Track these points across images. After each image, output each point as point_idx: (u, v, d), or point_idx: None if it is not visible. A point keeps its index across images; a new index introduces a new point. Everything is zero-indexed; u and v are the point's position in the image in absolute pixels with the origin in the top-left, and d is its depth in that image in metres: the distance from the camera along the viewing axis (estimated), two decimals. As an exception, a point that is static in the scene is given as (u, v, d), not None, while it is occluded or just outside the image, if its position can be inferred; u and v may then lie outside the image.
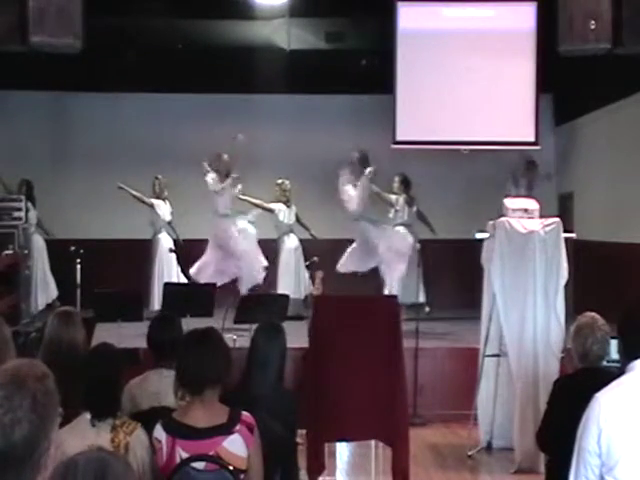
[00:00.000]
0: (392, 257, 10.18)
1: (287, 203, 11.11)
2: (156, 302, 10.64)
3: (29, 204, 11.29)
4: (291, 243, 11.14)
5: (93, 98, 12.74)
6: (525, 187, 10.45)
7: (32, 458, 1.99)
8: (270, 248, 10.90)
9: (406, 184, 10.62)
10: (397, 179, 10.64)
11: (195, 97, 12.80)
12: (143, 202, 11.28)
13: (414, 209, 10.69)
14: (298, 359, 8.36)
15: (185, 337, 3.90)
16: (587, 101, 11.87)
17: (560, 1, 8.33)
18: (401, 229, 10.52)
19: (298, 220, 11.20)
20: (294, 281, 10.89)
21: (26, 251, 11.07)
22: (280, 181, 11.15)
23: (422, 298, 10.40)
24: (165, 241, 11.34)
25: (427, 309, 10.60)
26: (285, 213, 11.10)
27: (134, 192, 11.22)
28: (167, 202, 11.40)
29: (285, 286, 10.59)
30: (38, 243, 11.52)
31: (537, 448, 5.28)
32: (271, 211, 11.03)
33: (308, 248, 11.15)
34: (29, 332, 9.39)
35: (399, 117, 11.38)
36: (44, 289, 11.53)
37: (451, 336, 9.91)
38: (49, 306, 11.05)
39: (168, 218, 11.36)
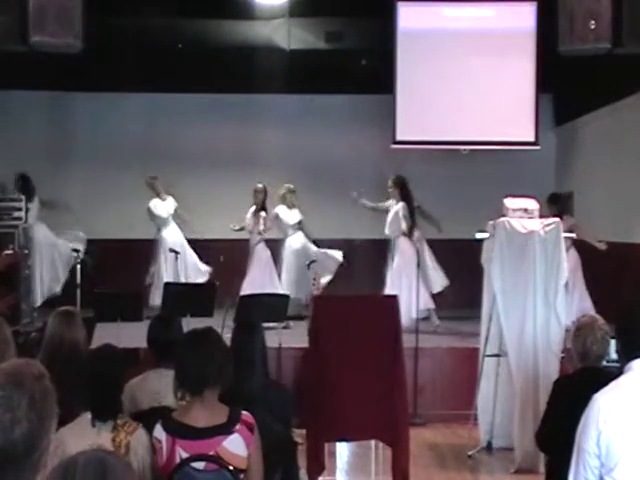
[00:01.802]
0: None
1: (292, 208, 11.09)
2: (157, 297, 10.68)
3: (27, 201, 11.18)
4: (295, 243, 11.09)
5: (93, 98, 12.74)
6: None
7: (32, 457, 2.00)
8: (273, 248, 10.91)
9: (401, 185, 10.53)
10: (390, 182, 10.57)
11: (195, 97, 12.80)
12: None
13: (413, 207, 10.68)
14: (298, 359, 8.38)
15: (184, 337, 3.90)
16: (587, 101, 11.86)
17: (560, 1, 8.33)
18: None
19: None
20: (296, 281, 10.89)
21: (26, 251, 11.05)
22: (292, 187, 11.12)
23: (428, 304, 10.29)
24: (169, 236, 11.34)
25: (437, 322, 10.42)
26: (288, 214, 11.07)
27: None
28: (166, 199, 11.39)
29: (287, 286, 10.61)
30: (42, 233, 11.24)
31: (537, 448, 5.29)
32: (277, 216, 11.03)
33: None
34: (29, 332, 9.40)
35: (399, 117, 11.36)
36: (54, 278, 11.30)
37: (451, 336, 9.91)
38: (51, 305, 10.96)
39: (165, 215, 11.36)
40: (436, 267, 10.86)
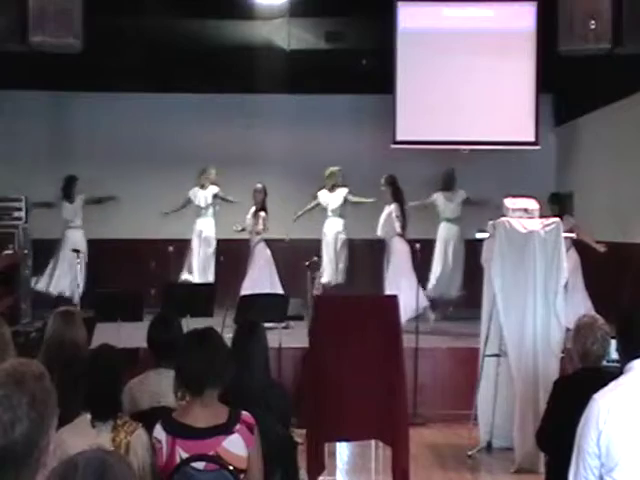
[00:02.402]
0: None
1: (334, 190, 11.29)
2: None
3: (65, 202, 11.38)
4: (330, 231, 11.26)
5: (93, 98, 12.73)
6: None
7: (32, 456, 2.00)
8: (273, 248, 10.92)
9: (393, 185, 10.54)
10: (382, 181, 10.58)
11: (195, 97, 12.80)
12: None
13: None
14: (298, 359, 8.39)
15: (185, 337, 3.90)
16: (587, 101, 11.86)
17: (560, 1, 8.33)
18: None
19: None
20: (332, 266, 11.08)
21: (26, 251, 11.07)
22: (334, 169, 11.33)
23: (423, 302, 10.27)
24: (200, 225, 11.56)
25: (432, 316, 10.41)
26: (327, 197, 11.35)
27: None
28: (207, 188, 11.58)
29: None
30: (74, 237, 11.46)
31: (537, 448, 5.29)
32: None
33: (309, 247, 11.15)
34: (29, 332, 9.40)
35: (399, 117, 11.37)
36: (65, 283, 11.33)
37: (451, 336, 9.90)
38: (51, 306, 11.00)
39: (202, 204, 11.57)
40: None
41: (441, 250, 11.11)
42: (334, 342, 5.88)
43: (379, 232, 10.46)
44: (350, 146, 12.82)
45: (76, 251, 10.48)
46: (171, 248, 11.05)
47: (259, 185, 10.78)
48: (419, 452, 7.35)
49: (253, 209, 10.76)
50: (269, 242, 10.80)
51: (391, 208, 10.35)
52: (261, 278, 10.48)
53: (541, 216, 7.44)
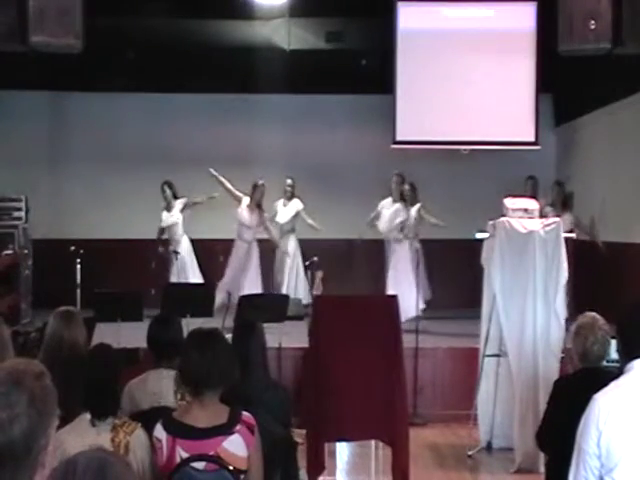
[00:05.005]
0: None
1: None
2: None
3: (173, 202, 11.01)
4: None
5: (93, 98, 12.73)
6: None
7: (30, 455, 1.99)
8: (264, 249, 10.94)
9: (403, 183, 10.55)
10: (397, 182, 10.57)
11: (195, 97, 12.80)
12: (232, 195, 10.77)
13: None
14: (298, 359, 8.39)
15: (189, 337, 3.87)
16: (587, 101, 11.86)
17: (560, 1, 8.32)
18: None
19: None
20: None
21: (26, 251, 11.07)
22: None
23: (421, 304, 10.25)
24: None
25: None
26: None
27: (226, 183, 10.78)
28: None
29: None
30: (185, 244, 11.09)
31: (537, 448, 5.29)
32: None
33: (308, 248, 11.15)
34: (29, 332, 9.40)
35: (399, 117, 11.36)
36: None
37: (451, 336, 9.90)
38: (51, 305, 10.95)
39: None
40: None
41: None
42: (334, 342, 5.88)
43: (381, 227, 10.44)
44: (350, 146, 12.83)
45: (176, 252, 10.54)
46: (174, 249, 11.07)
47: (261, 181, 10.73)
48: (419, 452, 7.35)
49: (248, 201, 10.65)
50: (260, 241, 10.81)
51: (396, 206, 10.33)
52: (254, 277, 10.50)
53: (541, 216, 7.44)
